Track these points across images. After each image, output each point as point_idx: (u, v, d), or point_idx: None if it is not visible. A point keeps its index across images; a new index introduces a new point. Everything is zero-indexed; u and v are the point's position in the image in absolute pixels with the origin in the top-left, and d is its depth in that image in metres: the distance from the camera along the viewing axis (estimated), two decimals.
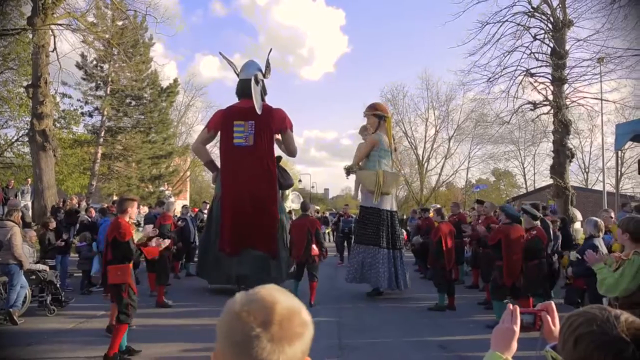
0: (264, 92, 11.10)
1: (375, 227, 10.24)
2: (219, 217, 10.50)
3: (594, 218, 7.16)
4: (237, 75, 11.24)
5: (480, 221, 10.59)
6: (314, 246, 9.24)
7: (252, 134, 10.42)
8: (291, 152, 11.39)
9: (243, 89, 10.77)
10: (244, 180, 10.26)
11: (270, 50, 11.40)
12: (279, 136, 11.16)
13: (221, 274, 10.13)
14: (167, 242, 6.82)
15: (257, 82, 10.66)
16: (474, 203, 15.63)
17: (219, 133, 11.10)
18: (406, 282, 10.23)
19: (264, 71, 11.23)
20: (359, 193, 10.94)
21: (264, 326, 0.99)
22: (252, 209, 10.18)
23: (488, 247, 9.34)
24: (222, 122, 10.81)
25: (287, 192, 12.99)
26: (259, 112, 10.31)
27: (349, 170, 10.85)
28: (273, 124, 10.69)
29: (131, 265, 6.03)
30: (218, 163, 11.72)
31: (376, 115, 10.87)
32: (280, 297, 1.05)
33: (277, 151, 11.21)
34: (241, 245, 10.07)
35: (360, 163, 10.81)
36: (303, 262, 9.34)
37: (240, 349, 0.98)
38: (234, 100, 11.16)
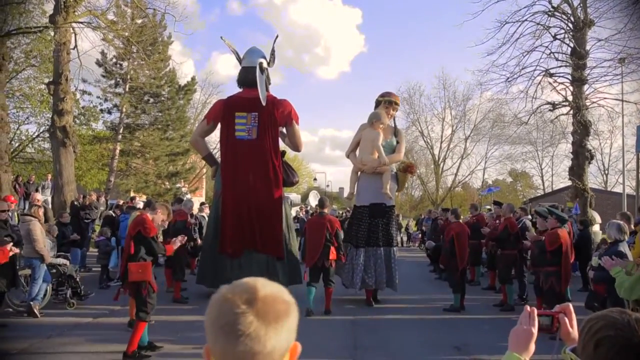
0: (268, 82, 10.28)
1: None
2: (219, 217, 9.76)
3: (617, 221, 6.70)
4: (240, 62, 10.36)
5: (498, 222, 10.53)
6: (332, 248, 8.36)
7: (256, 126, 9.67)
8: (297, 146, 10.69)
9: (246, 77, 9.97)
10: (246, 177, 9.56)
11: (277, 36, 10.73)
12: (283, 129, 10.40)
13: (221, 278, 8.66)
14: (179, 239, 6.63)
15: (262, 70, 9.89)
16: (491, 204, 15.48)
17: (219, 125, 10.26)
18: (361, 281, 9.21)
19: (268, 59, 10.40)
20: (387, 191, 9.43)
21: (248, 303, 1.02)
22: (255, 208, 9.48)
23: (507, 249, 9.32)
24: (222, 113, 9.95)
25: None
26: (263, 103, 9.54)
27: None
28: (278, 116, 9.86)
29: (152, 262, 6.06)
30: (218, 157, 11.08)
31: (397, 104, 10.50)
32: (263, 281, 1.09)
33: (282, 145, 10.57)
34: (243, 245, 9.39)
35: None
36: (319, 266, 8.34)
37: (228, 329, 1.00)
38: None
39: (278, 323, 1.03)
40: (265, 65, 10.16)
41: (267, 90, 10.04)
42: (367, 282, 9.27)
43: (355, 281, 9.24)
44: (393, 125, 10.28)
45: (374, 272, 9.26)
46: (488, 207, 18.10)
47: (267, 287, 1.07)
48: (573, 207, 15.97)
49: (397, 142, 9.99)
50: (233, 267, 9.29)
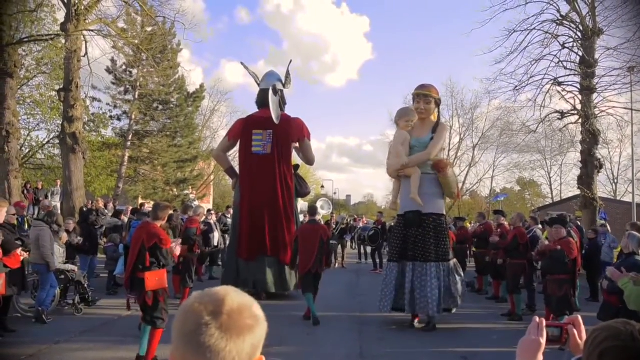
0: (283, 102, 11.25)
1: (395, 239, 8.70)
2: (237, 224, 10.79)
3: (638, 234, 6.36)
4: (258, 85, 11.38)
5: (499, 231, 10.53)
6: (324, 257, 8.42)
7: (270, 142, 10.68)
8: (309, 160, 11.64)
9: (262, 99, 10.99)
10: (260, 187, 10.50)
11: (291, 61, 11.96)
12: (298, 145, 11.32)
13: (240, 279, 10.11)
14: (179, 249, 6.43)
15: (275, 92, 10.89)
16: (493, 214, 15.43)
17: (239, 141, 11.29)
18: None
19: (284, 81, 11.40)
20: (414, 196, 8.20)
21: (213, 315, 1.02)
22: (267, 216, 10.38)
23: (516, 258, 9.27)
24: (242, 131, 11.07)
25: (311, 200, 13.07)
26: (276, 121, 10.56)
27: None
28: (291, 133, 10.91)
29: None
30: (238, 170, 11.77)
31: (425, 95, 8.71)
32: (233, 293, 1.08)
33: (297, 160, 11.37)
34: (257, 251, 10.24)
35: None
36: (312, 273, 8.33)
37: (191, 338, 1.01)
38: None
39: (240, 338, 1.02)
40: (280, 87, 11.14)
41: (282, 109, 11.11)
42: (399, 303, 8.22)
43: (383, 303, 8.30)
44: (435, 120, 8.92)
45: (408, 293, 8.05)
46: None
47: (235, 300, 1.06)
48: (600, 214, 15.93)
49: (432, 139, 8.52)
50: (249, 269, 10.24)
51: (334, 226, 17.42)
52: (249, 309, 1.07)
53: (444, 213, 8.77)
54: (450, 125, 38.62)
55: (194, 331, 1.01)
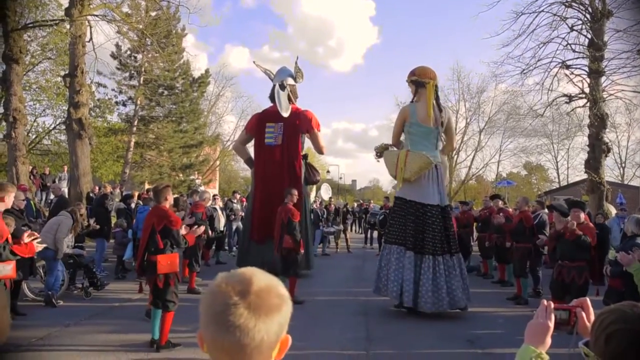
0: (294, 97, 12.02)
1: (400, 223, 8.31)
2: (251, 211, 11.80)
3: (637, 215, 6.50)
4: (272, 81, 12.15)
5: (501, 215, 10.55)
6: (286, 237, 8.67)
7: (281, 134, 11.58)
8: (319, 149, 12.57)
9: (273, 95, 11.86)
10: (271, 175, 11.36)
11: (297, 57, 12.41)
12: (309, 135, 12.11)
13: (252, 260, 10.74)
14: (202, 229, 6.87)
15: (282, 87, 11.72)
16: (505, 197, 15.43)
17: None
18: (430, 301, 7.66)
19: (295, 76, 12.09)
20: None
21: (241, 295, 1.03)
22: (277, 202, 10.46)
23: (522, 242, 9.27)
24: (257, 125, 12.01)
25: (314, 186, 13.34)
26: (283, 115, 11.42)
27: (379, 152, 8.88)
28: (300, 125, 11.69)
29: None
30: None
31: (413, 82, 8.60)
32: (259, 273, 1.11)
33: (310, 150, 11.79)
34: (266, 234, 10.75)
35: (395, 141, 8.95)
36: (283, 255, 8.67)
37: (219, 318, 1.02)
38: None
39: (268, 317, 1.04)
40: (289, 82, 11.87)
41: (293, 102, 11.91)
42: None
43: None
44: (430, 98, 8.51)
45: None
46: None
47: (261, 280, 1.08)
48: (617, 197, 15.87)
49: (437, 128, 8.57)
50: (258, 251, 11.01)
51: (330, 211, 17.35)
52: (276, 288, 1.10)
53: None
54: (457, 109, 38.42)
55: (222, 311, 1.02)
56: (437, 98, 8.49)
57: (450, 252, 7.99)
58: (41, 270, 8.19)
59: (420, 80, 8.47)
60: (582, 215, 7.26)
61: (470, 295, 8.06)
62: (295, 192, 9.51)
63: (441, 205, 8.18)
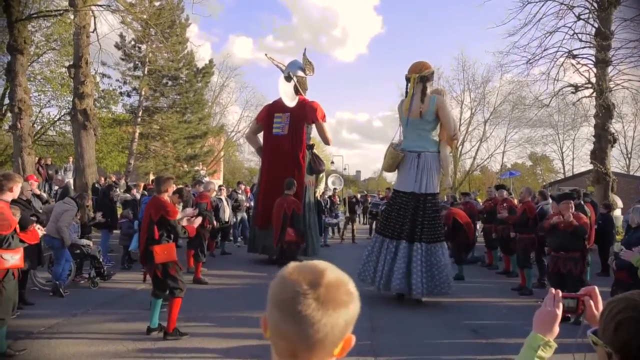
0: (303, 88, 12.40)
1: (386, 211, 8.66)
2: (257, 198, 12.37)
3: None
4: (283, 73, 12.44)
5: (505, 205, 10.53)
6: (289, 230, 8.82)
7: (288, 124, 11.98)
8: (325, 140, 12.93)
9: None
10: (276, 165, 11.79)
11: (305, 49, 12.69)
12: (315, 126, 12.38)
13: (257, 244, 11.78)
14: (199, 219, 6.72)
15: (288, 79, 12.14)
16: (510, 188, 15.35)
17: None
18: (423, 288, 7.76)
19: (304, 69, 12.43)
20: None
21: (311, 285, 1.03)
22: (281, 190, 10.88)
23: (525, 233, 9.26)
24: (266, 115, 12.45)
25: (321, 175, 13.41)
26: (289, 105, 11.84)
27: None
28: (306, 116, 12.00)
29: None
30: None
31: (406, 79, 8.61)
32: (331, 268, 1.09)
33: (316, 139, 12.27)
34: (268, 222, 11.06)
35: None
36: (284, 248, 8.74)
37: (287, 305, 1.02)
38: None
39: (335, 312, 1.02)
40: (299, 74, 12.30)
41: (301, 94, 12.30)
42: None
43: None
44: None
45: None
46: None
47: (333, 274, 1.07)
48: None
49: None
50: (260, 236, 11.58)
51: (335, 202, 17.61)
52: (346, 285, 1.08)
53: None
54: (462, 99, 38.26)
55: (291, 298, 1.02)
56: (424, 89, 8.35)
57: (421, 240, 7.94)
58: (48, 260, 8.26)
59: (407, 77, 8.55)
60: (572, 206, 7.42)
61: (449, 287, 7.95)
62: (295, 183, 10.39)
63: (416, 192, 8.09)
